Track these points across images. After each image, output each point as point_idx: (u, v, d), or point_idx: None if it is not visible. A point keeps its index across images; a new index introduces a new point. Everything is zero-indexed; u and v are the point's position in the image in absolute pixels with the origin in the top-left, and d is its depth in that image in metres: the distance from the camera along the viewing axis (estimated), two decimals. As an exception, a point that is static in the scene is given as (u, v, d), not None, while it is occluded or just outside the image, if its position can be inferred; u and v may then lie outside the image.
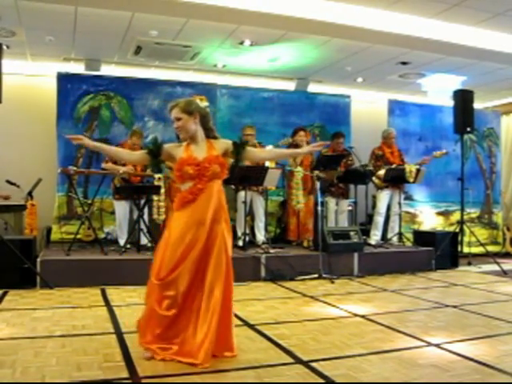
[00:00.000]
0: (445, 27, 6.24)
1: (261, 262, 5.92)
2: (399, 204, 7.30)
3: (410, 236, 7.55)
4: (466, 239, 7.70)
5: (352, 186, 7.37)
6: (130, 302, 4.65)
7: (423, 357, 3.11)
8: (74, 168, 6.39)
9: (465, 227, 7.46)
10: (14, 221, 6.52)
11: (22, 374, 2.70)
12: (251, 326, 3.82)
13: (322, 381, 2.73)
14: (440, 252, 6.87)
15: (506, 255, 8.75)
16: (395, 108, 8.72)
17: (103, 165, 6.42)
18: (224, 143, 3.25)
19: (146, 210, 6.57)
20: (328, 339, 3.49)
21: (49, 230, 7.00)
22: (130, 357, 3.03)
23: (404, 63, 7.46)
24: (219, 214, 3.09)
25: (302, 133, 6.98)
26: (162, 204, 6.49)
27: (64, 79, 7.20)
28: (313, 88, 8.68)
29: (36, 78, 7.65)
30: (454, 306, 4.59)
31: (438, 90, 8.84)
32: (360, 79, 8.46)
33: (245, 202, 6.35)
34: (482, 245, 7.53)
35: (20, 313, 4.11)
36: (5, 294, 4.82)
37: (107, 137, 7.39)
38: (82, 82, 7.31)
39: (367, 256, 6.53)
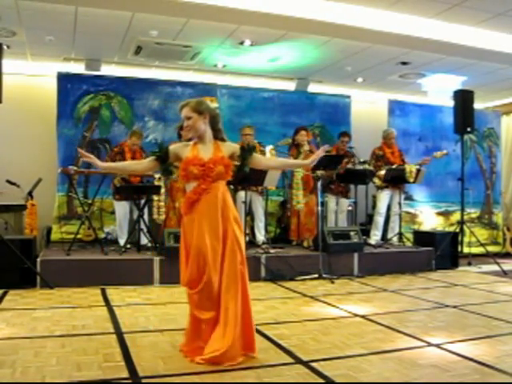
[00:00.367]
0: (445, 27, 6.24)
1: (261, 262, 5.92)
2: (399, 204, 7.30)
3: (410, 236, 7.55)
4: (466, 239, 7.69)
5: (352, 186, 7.38)
6: (130, 301, 4.65)
7: (423, 357, 3.11)
8: (74, 168, 6.39)
9: (465, 227, 7.46)
10: (14, 221, 6.52)
11: (22, 374, 2.70)
12: (251, 326, 3.81)
13: (321, 381, 2.73)
14: (440, 252, 6.86)
15: (506, 255, 8.75)
16: (395, 108, 8.72)
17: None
18: (232, 146, 3.28)
19: (146, 210, 6.58)
20: (328, 339, 3.49)
21: (49, 230, 7.00)
22: (129, 357, 3.03)
23: (404, 63, 7.46)
24: (226, 213, 3.11)
25: (303, 132, 6.98)
26: (162, 204, 6.49)
27: (64, 79, 7.21)
28: (313, 88, 8.68)
29: (36, 77, 7.65)
30: (454, 306, 4.59)
31: (438, 90, 8.84)
32: (360, 79, 8.46)
33: (245, 202, 6.35)
34: (482, 245, 7.53)
35: (20, 313, 4.11)
36: (5, 293, 4.82)
37: (107, 137, 7.40)
38: (82, 82, 7.31)
39: (367, 256, 6.53)
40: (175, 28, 6.15)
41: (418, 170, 7.13)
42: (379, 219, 7.40)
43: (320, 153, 3.51)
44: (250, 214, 6.89)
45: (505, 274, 6.58)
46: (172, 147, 3.24)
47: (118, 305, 4.49)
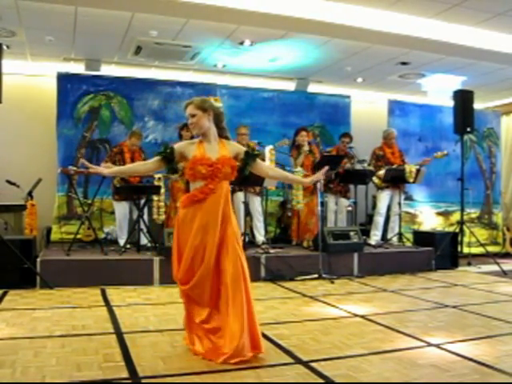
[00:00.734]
0: (445, 27, 6.24)
1: (261, 262, 5.92)
2: (399, 204, 7.30)
3: (409, 236, 7.55)
4: (465, 239, 7.70)
5: (352, 186, 7.38)
6: (130, 302, 4.65)
7: (423, 357, 3.11)
8: (74, 168, 6.38)
9: (465, 227, 7.46)
10: (13, 221, 6.52)
11: (22, 374, 2.70)
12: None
13: (321, 381, 2.73)
14: (440, 252, 6.86)
15: (506, 255, 8.75)
16: (395, 108, 8.72)
17: (102, 165, 6.40)
18: (237, 147, 3.32)
19: (145, 210, 6.58)
20: (328, 339, 3.49)
21: (49, 230, 7.00)
22: (129, 357, 3.03)
23: (404, 63, 7.46)
24: (228, 214, 3.16)
25: (303, 133, 7.00)
26: (161, 204, 6.50)
27: (64, 79, 7.20)
28: (313, 88, 8.68)
29: (36, 77, 7.65)
30: (454, 306, 4.59)
31: (437, 90, 8.85)
32: (360, 79, 8.46)
33: (244, 202, 6.35)
34: (482, 245, 7.53)
35: (20, 313, 4.11)
36: (5, 294, 4.82)
37: (107, 137, 7.40)
38: (81, 82, 7.31)
39: (367, 256, 6.53)
40: (175, 28, 6.15)
41: (418, 170, 7.13)
42: (379, 219, 7.40)
43: (319, 176, 3.56)
44: (249, 214, 6.88)
45: (504, 274, 6.58)
46: (177, 146, 3.26)
47: (118, 305, 4.49)
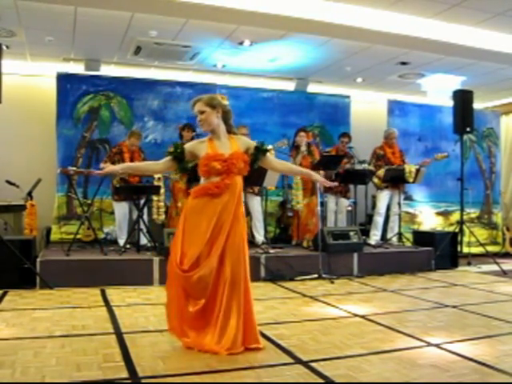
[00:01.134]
0: (444, 27, 6.24)
1: (260, 262, 5.92)
2: (399, 204, 7.30)
3: (409, 236, 7.55)
4: (465, 239, 7.69)
5: (352, 186, 7.38)
6: (130, 302, 4.65)
7: (423, 357, 3.11)
8: (74, 168, 6.39)
9: (464, 227, 7.46)
10: (13, 221, 6.51)
11: (22, 374, 2.70)
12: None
13: (321, 381, 2.73)
14: (440, 252, 6.86)
15: (506, 255, 8.75)
16: (395, 108, 8.72)
17: (102, 165, 6.42)
18: (246, 142, 3.38)
19: (145, 210, 6.58)
20: (328, 339, 3.49)
21: (48, 230, 7.00)
22: (129, 357, 3.03)
23: (403, 63, 7.46)
24: (239, 209, 3.21)
25: (302, 133, 7.01)
26: (161, 204, 6.50)
27: (64, 79, 7.20)
28: (312, 88, 8.68)
29: (36, 78, 7.65)
30: (454, 306, 4.59)
31: (437, 90, 8.84)
32: (359, 79, 8.46)
33: (244, 202, 6.34)
34: (482, 245, 7.53)
35: (20, 313, 4.11)
36: (4, 294, 4.82)
37: (107, 137, 7.40)
38: (81, 82, 7.30)
39: (367, 256, 6.53)
40: (174, 28, 6.15)
41: (418, 170, 7.13)
42: (379, 219, 7.40)
43: (323, 183, 3.71)
44: (248, 214, 6.88)
45: (504, 273, 6.58)
46: (187, 145, 3.33)
47: (118, 305, 4.49)
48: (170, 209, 6.75)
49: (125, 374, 2.75)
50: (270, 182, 6.24)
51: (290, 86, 8.61)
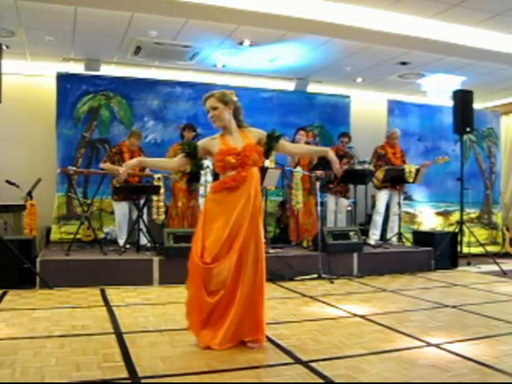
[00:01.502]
0: (444, 27, 6.24)
1: (260, 262, 5.91)
2: (399, 204, 7.30)
3: (409, 236, 7.55)
4: (465, 239, 7.69)
5: (352, 186, 7.38)
6: (130, 302, 4.65)
7: (423, 357, 3.11)
8: (74, 168, 6.40)
9: (464, 227, 7.46)
10: (13, 221, 6.52)
11: (22, 374, 2.70)
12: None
13: (321, 381, 2.72)
14: (439, 252, 6.86)
15: (506, 255, 8.74)
16: (395, 108, 8.72)
17: (101, 165, 6.42)
18: (258, 133, 3.42)
19: (145, 210, 6.58)
20: (327, 339, 3.49)
21: (48, 230, 7.00)
22: (129, 357, 3.03)
23: (403, 63, 7.47)
24: (257, 200, 3.26)
25: (301, 132, 7.00)
26: (161, 204, 6.49)
27: (63, 79, 7.20)
28: (312, 88, 8.68)
29: (35, 77, 7.65)
30: (454, 306, 4.59)
31: (437, 90, 8.84)
32: (359, 79, 8.47)
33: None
34: (482, 245, 7.53)
35: (19, 313, 4.11)
36: (4, 294, 4.82)
37: (107, 137, 7.40)
38: (81, 82, 7.31)
39: (367, 256, 6.53)
40: (174, 28, 6.15)
41: (418, 170, 7.13)
42: (377, 219, 7.40)
43: (336, 163, 3.58)
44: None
45: (504, 273, 6.58)
46: (200, 142, 3.40)
47: (118, 305, 4.49)
48: (169, 209, 6.75)
49: (124, 374, 2.75)
50: (270, 182, 6.23)
51: (289, 86, 8.61)
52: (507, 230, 9.28)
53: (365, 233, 7.36)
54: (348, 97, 8.81)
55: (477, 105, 8.36)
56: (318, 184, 6.34)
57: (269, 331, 3.64)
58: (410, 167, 7.10)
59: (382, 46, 6.68)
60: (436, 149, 8.83)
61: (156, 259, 5.58)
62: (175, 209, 6.68)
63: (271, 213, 7.76)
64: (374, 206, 7.88)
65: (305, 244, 6.87)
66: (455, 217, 8.60)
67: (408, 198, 8.49)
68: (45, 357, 2.99)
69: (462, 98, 7.56)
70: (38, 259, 5.29)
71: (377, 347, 3.31)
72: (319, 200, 6.37)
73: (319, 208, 6.37)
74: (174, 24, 6.01)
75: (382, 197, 7.40)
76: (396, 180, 7.19)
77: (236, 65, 7.72)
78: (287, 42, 6.61)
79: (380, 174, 7.24)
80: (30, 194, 6.56)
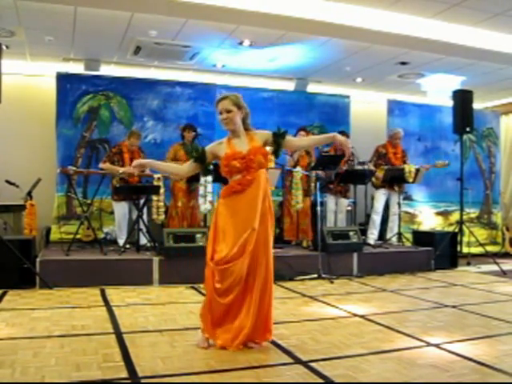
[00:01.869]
0: (444, 27, 6.24)
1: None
2: (398, 204, 7.30)
3: (409, 236, 7.55)
4: (465, 239, 7.70)
5: (352, 186, 7.38)
6: (130, 302, 4.65)
7: (422, 357, 3.11)
8: (74, 168, 6.39)
9: (464, 227, 7.46)
10: (13, 221, 6.52)
11: (22, 374, 2.70)
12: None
13: (321, 381, 2.73)
14: (439, 252, 6.87)
15: (506, 255, 8.75)
16: (394, 108, 8.72)
17: (101, 165, 6.42)
18: (264, 134, 3.43)
19: (145, 210, 6.58)
20: (327, 339, 3.49)
21: (48, 230, 6.99)
22: (129, 357, 3.03)
23: (403, 63, 7.46)
24: (266, 203, 3.28)
25: (302, 132, 7.00)
26: (161, 204, 6.48)
27: (63, 79, 7.20)
28: (312, 88, 8.68)
29: (35, 77, 7.65)
30: (454, 306, 4.59)
31: (437, 90, 8.84)
32: (359, 79, 8.46)
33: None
34: (482, 245, 7.54)
35: (19, 313, 4.11)
36: (4, 293, 4.82)
37: (106, 137, 7.40)
38: (81, 82, 7.30)
39: (366, 256, 6.53)
40: (174, 28, 6.15)
41: (417, 170, 7.13)
42: (375, 218, 7.39)
43: (345, 143, 3.45)
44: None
45: (504, 273, 6.58)
46: (208, 147, 3.42)
47: (118, 305, 4.49)
48: (169, 209, 6.75)
49: (124, 374, 2.75)
50: (270, 182, 6.22)
51: (289, 85, 8.61)
52: (507, 229, 9.29)
53: (365, 233, 7.36)
54: (348, 97, 8.81)
55: (476, 105, 8.36)
56: (318, 184, 6.33)
57: (269, 331, 3.65)
58: (409, 167, 7.10)
59: (381, 46, 6.68)
60: (436, 149, 8.84)
61: (156, 259, 5.58)
62: (175, 209, 6.68)
63: (271, 213, 7.73)
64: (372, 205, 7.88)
65: (305, 244, 6.87)
66: (455, 217, 8.60)
67: (408, 197, 8.49)
68: (45, 357, 2.99)
69: (462, 98, 7.56)
70: (37, 259, 5.29)
71: (377, 347, 3.31)
72: (319, 200, 6.37)
73: (319, 208, 6.37)
74: (173, 24, 6.01)
75: (380, 196, 7.40)
76: (396, 180, 7.19)
77: (236, 65, 7.72)
78: (287, 41, 6.61)
79: (380, 173, 7.24)
80: (29, 193, 6.56)
